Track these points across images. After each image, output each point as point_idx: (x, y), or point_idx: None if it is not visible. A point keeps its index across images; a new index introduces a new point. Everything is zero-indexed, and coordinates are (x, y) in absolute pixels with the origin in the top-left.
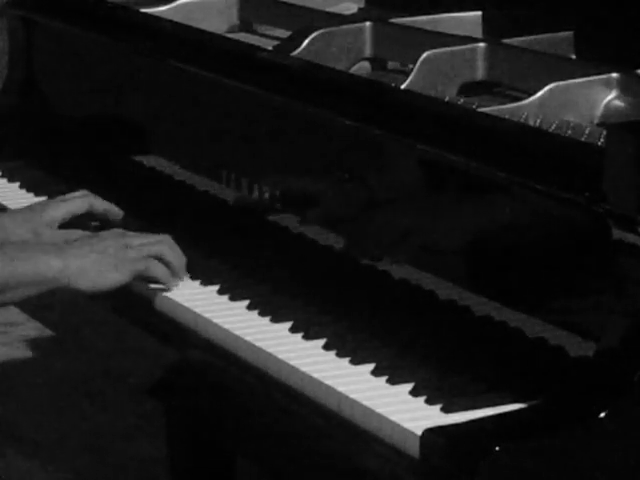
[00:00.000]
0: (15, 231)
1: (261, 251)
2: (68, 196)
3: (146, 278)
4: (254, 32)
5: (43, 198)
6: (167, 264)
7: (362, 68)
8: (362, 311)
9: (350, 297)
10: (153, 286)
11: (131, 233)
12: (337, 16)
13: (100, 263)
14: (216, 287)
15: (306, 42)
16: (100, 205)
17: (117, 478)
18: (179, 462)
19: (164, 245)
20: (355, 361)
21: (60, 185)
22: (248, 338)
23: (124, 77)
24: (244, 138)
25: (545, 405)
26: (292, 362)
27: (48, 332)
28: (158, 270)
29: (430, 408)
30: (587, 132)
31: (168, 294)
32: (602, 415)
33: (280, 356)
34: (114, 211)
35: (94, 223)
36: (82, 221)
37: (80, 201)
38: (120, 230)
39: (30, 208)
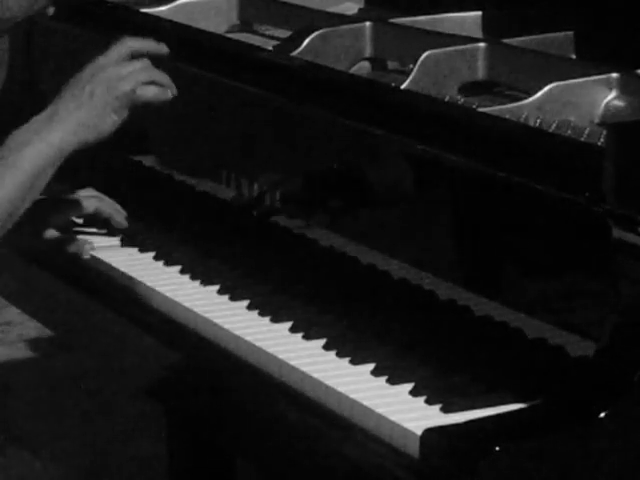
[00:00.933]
0: (19, 228)
1: (261, 251)
2: (75, 195)
3: (142, 103)
4: (254, 32)
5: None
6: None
7: (362, 68)
8: (362, 311)
9: (350, 297)
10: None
11: (105, 62)
12: (337, 16)
13: (94, 111)
14: (216, 287)
15: (306, 42)
16: (105, 210)
17: (117, 478)
18: (179, 462)
19: (147, 68)
20: (355, 361)
21: (60, 185)
22: (248, 338)
23: None
24: (244, 138)
25: (545, 405)
26: (292, 362)
27: (48, 332)
28: (150, 92)
29: (430, 408)
30: (587, 132)
31: (168, 294)
32: (602, 415)
33: (280, 356)
34: (118, 220)
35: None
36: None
37: (86, 203)
38: (95, 64)
39: (36, 205)
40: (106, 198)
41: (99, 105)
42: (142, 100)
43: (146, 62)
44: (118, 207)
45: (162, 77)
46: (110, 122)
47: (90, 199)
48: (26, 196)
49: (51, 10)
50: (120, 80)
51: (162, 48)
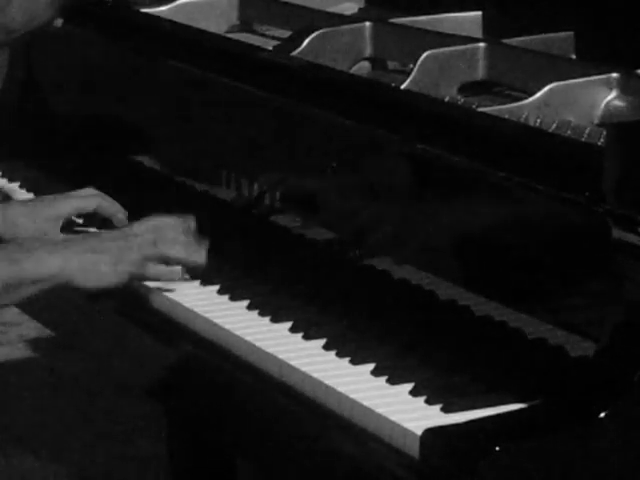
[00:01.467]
0: (20, 222)
1: (261, 251)
2: (77, 193)
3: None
4: (254, 32)
5: None
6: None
7: (362, 68)
8: (362, 311)
9: (350, 297)
10: (151, 284)
11: (134, 231)
12: (337, 16)
13: (99, 262)
14: (216, 287)
15: (306, 42)
16: (107, 208)
17: (117, 478)
18: (179, 462)
19: (164, 245)
20: (355, 361)
21: (60, 185)
22: (248, 338)
23: (124, 77)
24: (244, 138)
25: (545, 405)
26: (292, 362)
27: (48, 332)
28: (158, 272)
29: (430, 408)
30: (587, 132)
31: (168, 294)
32: (602, 415)
33: (280, 356)
34: (119, 217)
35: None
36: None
37: (88, 200)
38: (124, 230)
39: (38, 200)
40: (107, 197)
41: (110, 260)
42: (146, 279)
43: (187, 241)
44: (119, 206)
45: (185, 258)
46: (109, 279)
47: (91, 198)
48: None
49: (59, 22)
50: (148, 246)
51: (124, 220)
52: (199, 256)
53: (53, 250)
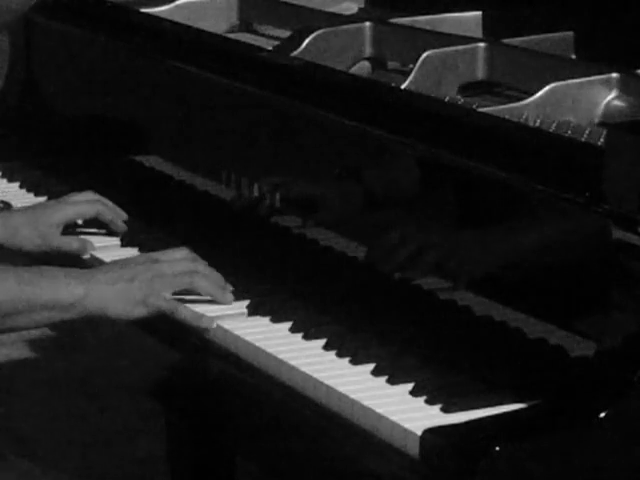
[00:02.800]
0: (21, 229)
1: (261, 251)
2: (77, 198)
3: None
4: (254, 32)
5: (43, 198)
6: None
7: (362, 68)
8: (362, 311)
9: (350, 297)
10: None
11: (163, 258)
12: (337, 16)
13: (126, 294)
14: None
15: (306, 42)
16: (107, 215)
17: (117, 478)
18: (179, 462)
19: (195, 277)
20: (355, 361)
21: (60, 185)
22: (248, 338)
23: (124, 77)
24: (244, 138)
25: (545, 405)
26: (292, 362)
27: (48, 332)
28: (186, 313)
29: (430, 408)
30: (587, 132)
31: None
32: (602, 415)
33: (280, 356)
34: (118, 224)
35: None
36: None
37: (89, 206)
38: (152, 256)
39: (38, 207)
40: (108, 202)
41: (137, 292)
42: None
43: (203, 267)
44: (119, 210)
45: (214, 292)
46: (136, 312)
47: (92, 204)
48: (16, 315)
49: None
50: (169, 280)
51: (123, 227)
52: (226, 298)
53: (75, 276)
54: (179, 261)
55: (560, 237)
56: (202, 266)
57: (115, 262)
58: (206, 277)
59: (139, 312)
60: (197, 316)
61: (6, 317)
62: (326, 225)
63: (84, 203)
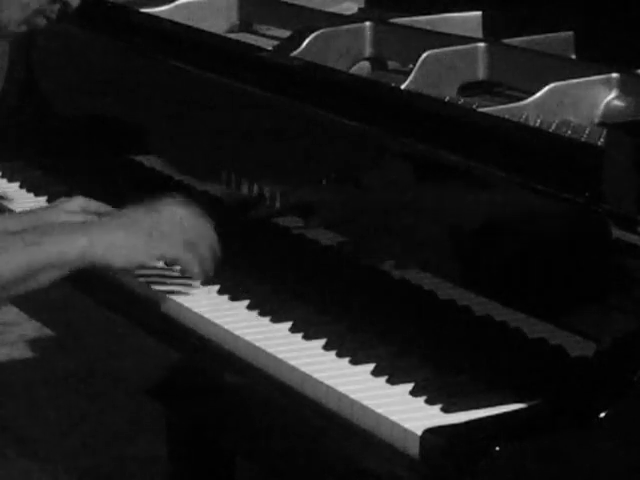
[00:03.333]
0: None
1: (261, 251)
2: (64, 206)
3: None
4: (254, 32)
5: (43, 198)
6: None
7: (362, 68)
8: (362, 311)
9: (350, 297)
10: (158, 288)
11: (160, 208)
12: (337, 16)
13: (129, 239)
14: (216, 287)
15: (306, 42)
16: (94, 207)
17: (117, 478)
18: (179, 462)
19: (203, 239)
20: (355, 361)
21: (60, 185)
22: (248, 338)
23: (124, 77)
24: (244, 138)
25: (545, 405)
26: (292, 362)
27: (48, 332)
28: (190, 265)
29: (430, 408)
30: (587, 132)
31: (168, 294)
32: (602, 415)
33: (280, 356)
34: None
35: None
36: None
37: (75, 216)
38: (149, 207)
39: (32, 213)
40: (93, 206)
41: (142, 236)
42: (179, 265)
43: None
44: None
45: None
46: (144, 252)
47: (76, 214)
48: (22, 280)
49: (76, 1)
50: (182, 232)
51: None
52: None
53: (76, 229)
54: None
55: (560, 237)
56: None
57: (113, 212)
58: (204, 237)
59: (141, 258)
60: (196, 267)
61: (19, 281)
62: (326, 225)
63: (70, 213)
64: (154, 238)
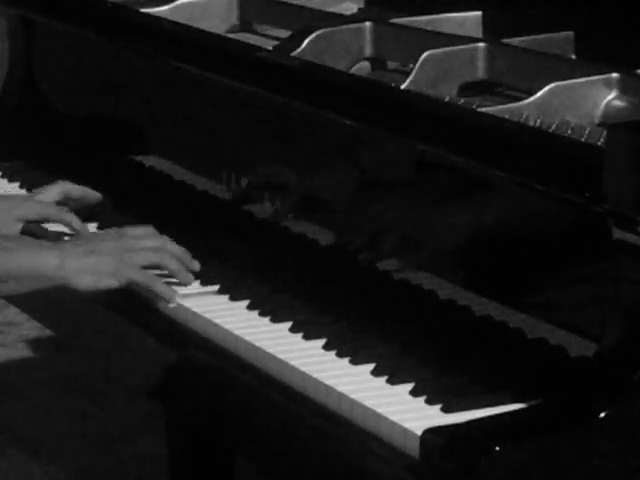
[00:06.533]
0: None
1: (261, 251)
2: (42, 197)
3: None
4: (254, 32)
5: None
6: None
7: (362, 68)
8: (362, 311)
9: (350, 297)
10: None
11: (131, 233)
12: (337, 16)
13: (98, 265)
14: (216, 287)
15: (306, 42)
16: (76, 192)
17: (117, 478)
18: (179, 462)
19: (165, 254)
20: (355, 361)
21: None
22: (248, 338)
23: (124, 77)
24: (244, 138)
25: (545, 405)
26: (292, 362)
27: (48, 332)
28: (157, 285)
29: (430, 408)
30: (587, 132)
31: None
32: (602, 415)
33: (280, 356)
34: (90, 194)
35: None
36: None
37: (57, 188)
38: (121, 231)
39: (4, 198)
40: (78, 190)
41: (112, 262)
42: (145, 287)
43: (171, 245)
44: (89, 192)
45: (179, 269)
46: (107, 282)
47: (45, 207)
48: None
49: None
50: (137, 254)
51: (95, 196)
52: (187, 278)
53: (50, 248)
54: (148, 237)
55: (560, 237)
56: (170, 244)
57: (86, 236)
58: (173, 255)
59: (108, 283)
60: (168, 290)
61: None
62: (326, 225)
63: (51, 189)
64: (124, 264)
